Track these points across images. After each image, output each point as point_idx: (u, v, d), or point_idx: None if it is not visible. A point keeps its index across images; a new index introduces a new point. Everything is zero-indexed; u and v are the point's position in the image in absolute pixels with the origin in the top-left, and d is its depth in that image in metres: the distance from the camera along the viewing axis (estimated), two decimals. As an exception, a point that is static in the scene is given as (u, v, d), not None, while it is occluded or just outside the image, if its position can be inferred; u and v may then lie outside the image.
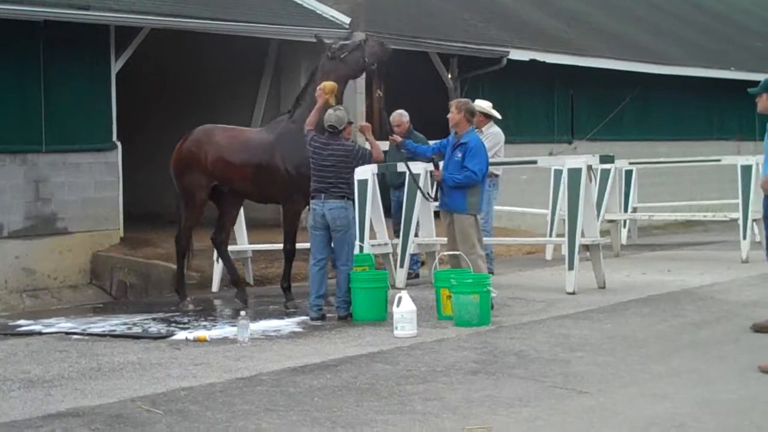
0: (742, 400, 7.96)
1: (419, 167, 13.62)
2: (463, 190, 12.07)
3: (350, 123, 11.90)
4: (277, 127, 13.12)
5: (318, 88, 12.21)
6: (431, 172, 12.77)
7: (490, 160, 14.54)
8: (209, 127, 13.43)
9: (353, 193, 11.96)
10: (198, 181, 13.09)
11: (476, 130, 15.08)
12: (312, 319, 11.58)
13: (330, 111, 11.78)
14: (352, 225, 11.88)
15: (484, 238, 14.56)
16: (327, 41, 13.20)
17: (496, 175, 15.11)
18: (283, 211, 13.03)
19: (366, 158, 11.88)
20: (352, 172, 11.79)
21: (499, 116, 15.45)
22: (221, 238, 13.64)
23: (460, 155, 12.06)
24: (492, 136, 15.11)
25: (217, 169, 12.98)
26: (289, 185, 12.56)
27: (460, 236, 12.16)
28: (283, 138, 12.72)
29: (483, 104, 15.41)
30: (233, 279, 13.77)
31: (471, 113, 12.39)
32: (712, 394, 8.13)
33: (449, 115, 12.31)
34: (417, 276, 15.00)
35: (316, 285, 11.64)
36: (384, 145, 13.24)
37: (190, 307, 12.97)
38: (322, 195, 11.51)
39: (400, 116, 14.98)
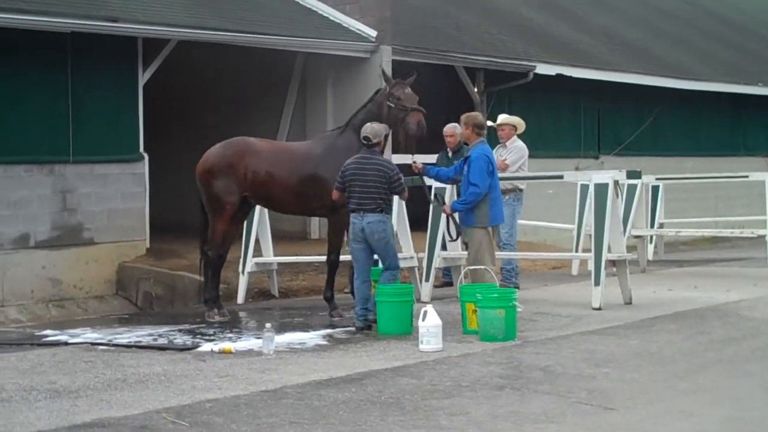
0: (769, 419, 7.92)
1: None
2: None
3: (386, 136, 12.03)
4: (326, 140, 13.16)
5: None
6: (441, 208, 12.92)
7: (514, 174, 14.69)
8: (248, 138, 13.24)
9: (390, 207, 12.09)
10: (230, 190, 12.90)
11: (501, 143, 15.24)
12: (357, 329, 11.64)
13: (367, 124, 11.96)
14: (392, 237, 12.05)
15: (509, 253, 14.63)
16: (389, 78, 13.11)
17: (521, 190, 15.11)
18: (329, 223, 13.07)
19: (401, 191, 11.95)
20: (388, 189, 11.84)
21: (522, 128, 15.48)
22: (221, 253, 13.25)
23: (467, 170, 12.40)
24: (516, 150, 15.15)
25: (258, 180, 12.82)
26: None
27: (469, 248, 12.57)
28: (332, 152, 12.72)
29: (514, 119, 15.50)
30: (212, 295, 13.18)
31: (479, 127, 12.64)
32: (738, 412, 8.08)
33: (460, 131, 12.63)
34: (451, 284, 14.88)
35: (363, 297, 11.76)
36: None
37: (216, 318, 12.93)
38: (361, 210, 11.64)
39: (453, 129, 15.05)
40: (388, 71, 19.07)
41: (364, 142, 11.79)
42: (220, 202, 12.96)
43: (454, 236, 12.97)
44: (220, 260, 13.25)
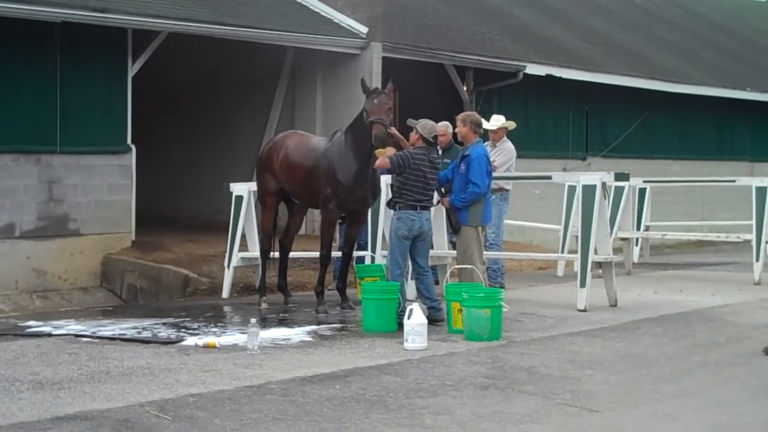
0: (753, 424, 7.92)
1: None
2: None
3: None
4: (331, 137, 13.19)
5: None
6: (440, 200, 12.76)
7: (503, 175, 14.65)
8: (288, 132, 13.96)
9: None
10: (268, 183, 13.44)
11: (489, 143, 15.21)
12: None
13: (429, 123, 11.96)
14: None
15: (495, 253, 14.62)
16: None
17: (507, 190, 15.12)
18: (321, 219, 13.28)
19: None
20: None
21: (512, 126, 15.51)
22: (284, 242, 13.87)
23: (464, 168, 12.31)
24: (506, 151, 15.16)
25: (281, 171, 13.23)
26: (328, 192, 12.62)
27: (459, 246, 12.46)
28: (333, 147, 12.78)
29: (509, 124, 15.53)
30: (279, 285, 13.87)
31: (477, 125, 12.54)
32: (723, 417, 8.08)
33: (457, 129, 12.56)
34: (437, 283, 14.85)
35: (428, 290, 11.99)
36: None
37: (264, 306, 13.33)
38: (418, 206, 11.76)
39: (446, 128, 14.85)
40: (378, 68, 19.15)
41: (433, 141, 11.87)
42: (263, 194, 13.63)
43: (453, 230, 12.90)
44: (284, 251, 13.77)
